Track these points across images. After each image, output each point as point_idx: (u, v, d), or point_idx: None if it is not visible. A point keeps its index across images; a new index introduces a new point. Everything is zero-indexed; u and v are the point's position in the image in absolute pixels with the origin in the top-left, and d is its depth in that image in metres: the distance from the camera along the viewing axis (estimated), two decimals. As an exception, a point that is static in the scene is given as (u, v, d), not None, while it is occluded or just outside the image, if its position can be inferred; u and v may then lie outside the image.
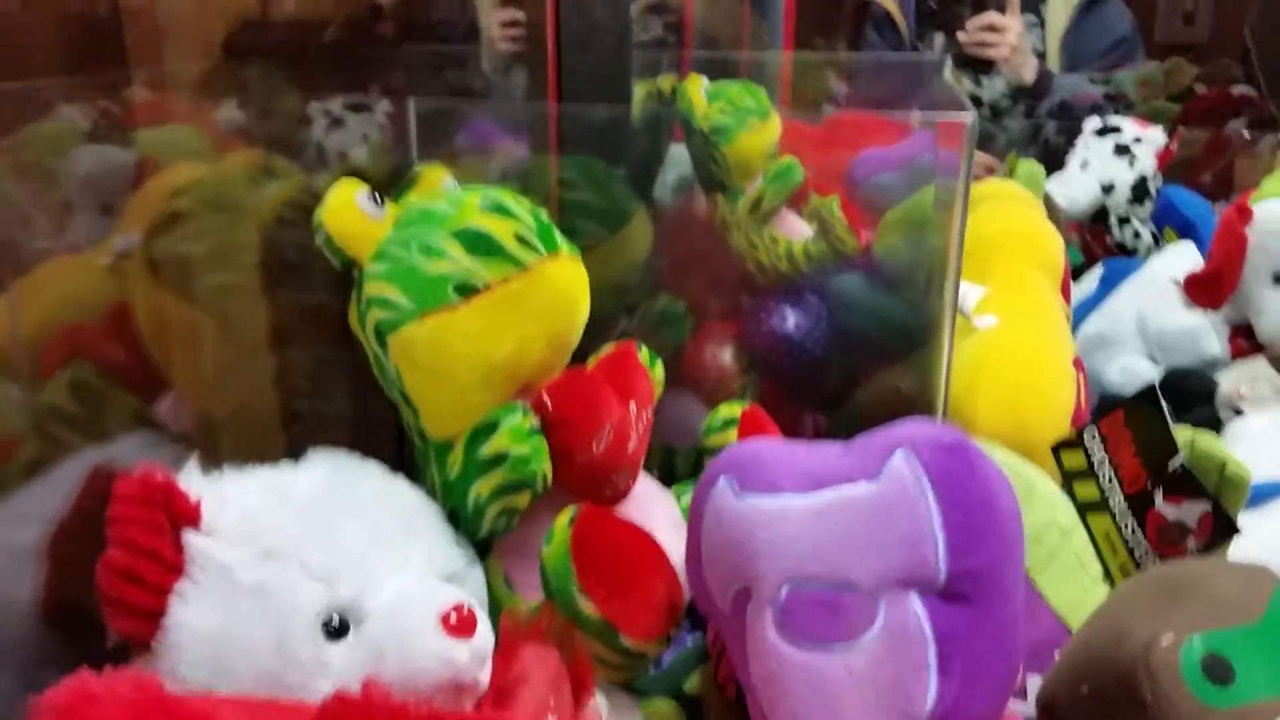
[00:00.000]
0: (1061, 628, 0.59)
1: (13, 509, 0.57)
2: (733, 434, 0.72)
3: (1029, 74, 1.97)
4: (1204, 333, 1.10)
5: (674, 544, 0.70)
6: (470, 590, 0.57)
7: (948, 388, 0.73)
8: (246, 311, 0.63)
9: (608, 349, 0.70)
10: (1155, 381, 1.08)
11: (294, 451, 0.58)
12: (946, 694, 0.45)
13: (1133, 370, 1.13)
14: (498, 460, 0.59)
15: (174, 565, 0.49)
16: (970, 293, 0.83)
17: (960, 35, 1.94)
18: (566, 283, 0.64)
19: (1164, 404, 0.57)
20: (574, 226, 0.71)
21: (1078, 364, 0.79)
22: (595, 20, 0.82)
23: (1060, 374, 0.75)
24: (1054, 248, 0.89)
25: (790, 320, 0.99)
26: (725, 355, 0.95)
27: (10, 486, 0.57)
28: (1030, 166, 1.32)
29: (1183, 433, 0.57)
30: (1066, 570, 0.60)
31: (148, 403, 0.62)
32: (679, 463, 0.85)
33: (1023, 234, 0.88)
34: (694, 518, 0.54)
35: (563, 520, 0.57)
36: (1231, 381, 1.02)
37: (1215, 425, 1.00)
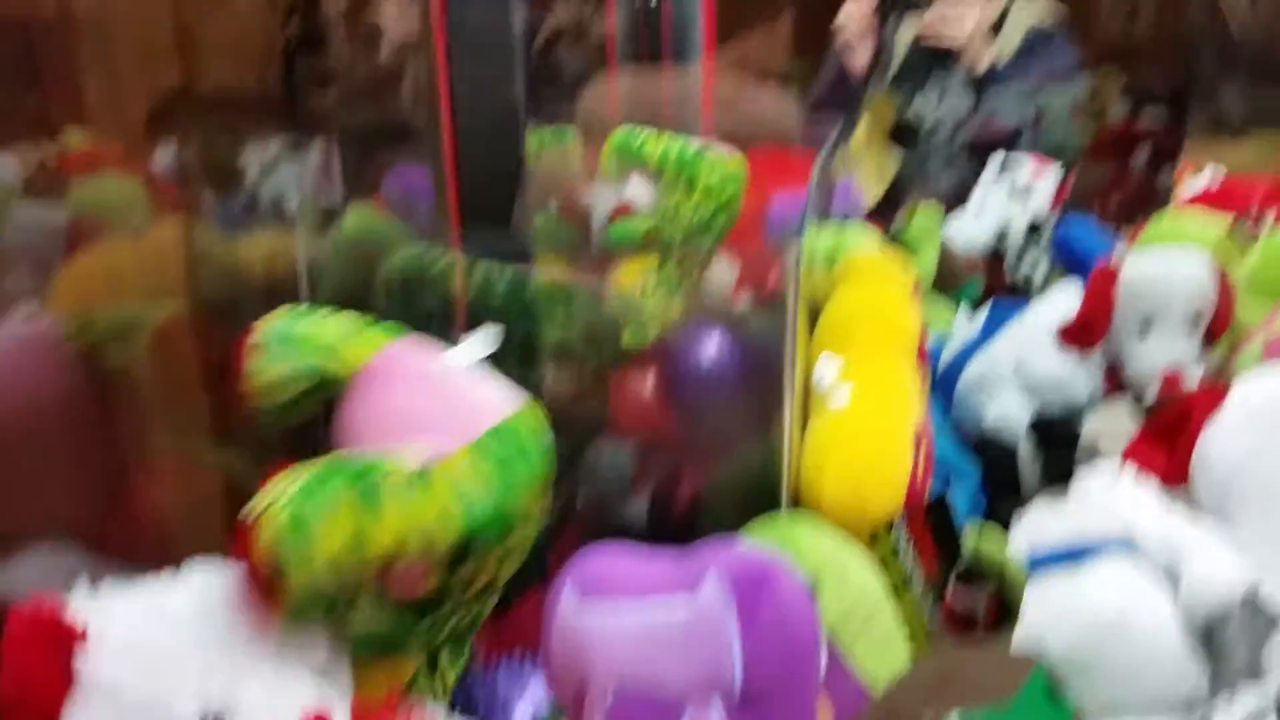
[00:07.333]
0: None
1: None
2: None
3: (983, 63, 2.02)
4: (1072, 380, 1.18)
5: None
6: (336, 682, 0.64)
7: (790, 469, 0.81)
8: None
9: None
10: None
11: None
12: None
13: (1005, 416, 1.21)
14: None
15: (63, 688, 0.56)
16: (829, 364, 0.90)
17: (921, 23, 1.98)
18: None
19: (954, 512, 0.65)
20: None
21: (920, 437, 0.86)
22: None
23: (901, 455, 0.82)
24: (910, 327, 0.97)
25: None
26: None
27: None
28: (926, 217, 1.40)
29: (972, 536, 0.65)
30: (873, 647, 0.67)
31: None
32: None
33: (880, 312, 0.96)
34: (546, 623, 0.61)
35: None
36: (1094, 428, 1.10)
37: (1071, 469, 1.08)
